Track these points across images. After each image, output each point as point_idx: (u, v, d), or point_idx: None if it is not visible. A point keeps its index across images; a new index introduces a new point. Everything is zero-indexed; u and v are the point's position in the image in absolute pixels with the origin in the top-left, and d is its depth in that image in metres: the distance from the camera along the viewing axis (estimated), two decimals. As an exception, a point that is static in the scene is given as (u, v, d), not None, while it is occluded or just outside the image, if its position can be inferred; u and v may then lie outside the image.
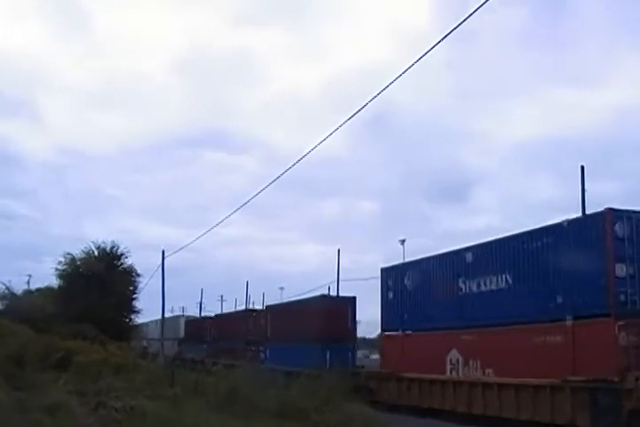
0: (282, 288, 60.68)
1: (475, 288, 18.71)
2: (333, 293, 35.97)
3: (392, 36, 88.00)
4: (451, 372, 19.18)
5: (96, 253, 34.08)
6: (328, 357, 26.19)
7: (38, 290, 40.55)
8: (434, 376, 19.53)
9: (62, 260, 33.39)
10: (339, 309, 27.76)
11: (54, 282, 35.27)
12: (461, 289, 19.27)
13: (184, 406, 12.63)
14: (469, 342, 18.65)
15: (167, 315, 64.75)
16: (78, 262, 33.52)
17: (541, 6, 76.07)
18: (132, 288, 35.67)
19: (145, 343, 52.09)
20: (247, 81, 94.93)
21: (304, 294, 36.24)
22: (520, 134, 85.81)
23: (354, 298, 28.72)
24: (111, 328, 28.99)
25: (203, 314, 61.63)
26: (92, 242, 34.49)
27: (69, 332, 23.44)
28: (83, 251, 33.93)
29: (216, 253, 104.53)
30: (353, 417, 13.63)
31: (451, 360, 19.24)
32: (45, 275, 38.51)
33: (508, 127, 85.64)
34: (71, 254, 33.64)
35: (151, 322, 61.72)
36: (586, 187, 25.21)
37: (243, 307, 51.66)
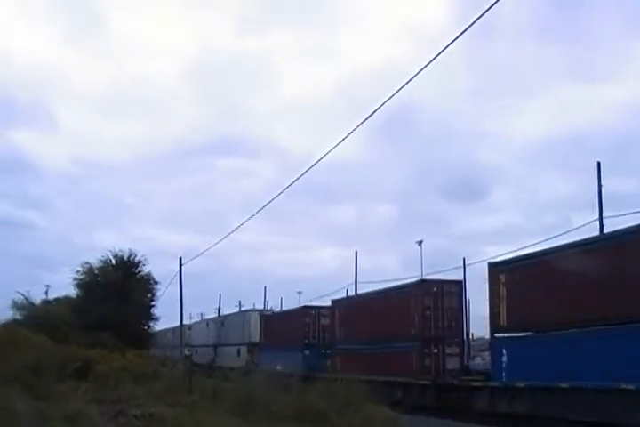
0: (300, 292, 60.35)
1: None
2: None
3: (405, 35, 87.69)
4: None
5: (113, 261, 34.32)
6: None
7: (56, 300, 40.87)
8: None
9: (80, 269, 33.75)
10: None
11: (72, 291, 35.62)
12: None
13: (203, 413, 12.59)
14: None
15: (198, 316, 61.12)
16: (96, 271, 33.81)
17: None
18: (150, 296, 35.88)
19: (187, 351, 41.59)
20: (258, 85, 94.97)
21: (319, 298, 33.96)
22: (535, 131, 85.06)
23: None
24: (130, 336, 29.14)
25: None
26: (110, 251, 34.76)
27: (88, 341, 23.55)
28: (100, 260, 34.27)
29: (232, 258, 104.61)
30: (373, 419, 13.50)
31: None
32: (63, 285, 38.62)
33: (523, 124, 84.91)
34: (89, 263, 34.02)
35: (196, 324, 54.21)
36: (602, 183, 25.02)
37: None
